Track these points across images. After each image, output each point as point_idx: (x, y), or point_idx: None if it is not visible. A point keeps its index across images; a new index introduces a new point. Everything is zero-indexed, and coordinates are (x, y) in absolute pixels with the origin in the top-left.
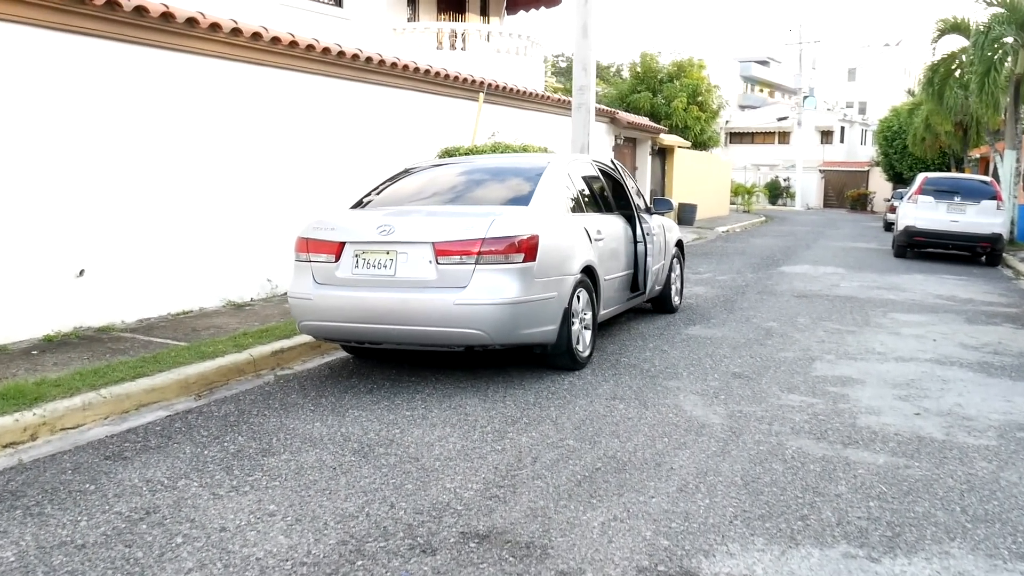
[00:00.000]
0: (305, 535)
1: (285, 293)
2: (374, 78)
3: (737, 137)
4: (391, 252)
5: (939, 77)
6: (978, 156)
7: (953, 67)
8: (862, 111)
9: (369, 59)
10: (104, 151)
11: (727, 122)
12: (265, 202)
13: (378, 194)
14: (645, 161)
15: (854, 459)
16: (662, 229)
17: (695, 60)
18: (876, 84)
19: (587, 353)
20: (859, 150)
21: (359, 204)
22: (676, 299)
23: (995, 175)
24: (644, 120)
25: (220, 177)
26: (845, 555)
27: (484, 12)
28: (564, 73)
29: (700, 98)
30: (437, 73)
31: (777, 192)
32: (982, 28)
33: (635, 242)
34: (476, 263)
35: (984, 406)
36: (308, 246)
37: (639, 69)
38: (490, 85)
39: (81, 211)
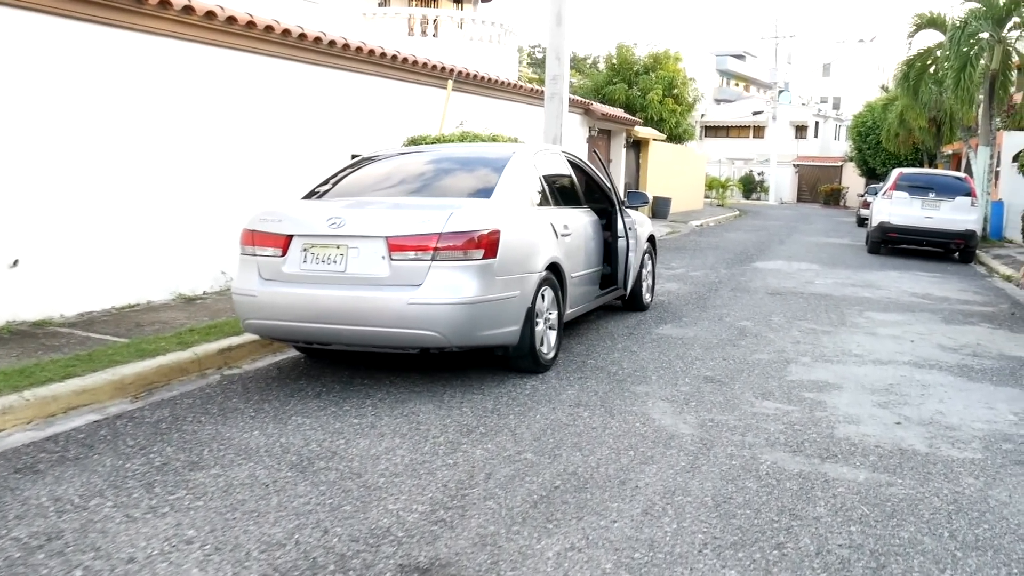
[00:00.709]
0: (223, 568)
1: None
2: (338, 63)
3: (712, 131)
4: (342, 247)
5: (914, 72)
6: (950, 152)
7: (929, 62)
8: (836, 106)
9: (332, 42)
10: (41, 133)
11: (702, 116)
12: (220, 190)
13: (333, 184)
14: (619, 153)
15: (833, 476)
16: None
17: (671, 52)
18: (850, 80)
19: (551, 355)
20: (833, 145)
21: (312, 194)
22: (647, 296)
23: (967, 171)
24: (619, 112)
25: (172, 164)
26: None
27: None
28: (540, 64)
29: (676, 91)
30: (405, 59)
31: (751, 186)
32: (958, 23)
33: (616, 237)
34: (432, 259)
35: (967, 414)
36: (254, 239)
37: (615, 61)
38: (460, 73)
39: (14, 197)
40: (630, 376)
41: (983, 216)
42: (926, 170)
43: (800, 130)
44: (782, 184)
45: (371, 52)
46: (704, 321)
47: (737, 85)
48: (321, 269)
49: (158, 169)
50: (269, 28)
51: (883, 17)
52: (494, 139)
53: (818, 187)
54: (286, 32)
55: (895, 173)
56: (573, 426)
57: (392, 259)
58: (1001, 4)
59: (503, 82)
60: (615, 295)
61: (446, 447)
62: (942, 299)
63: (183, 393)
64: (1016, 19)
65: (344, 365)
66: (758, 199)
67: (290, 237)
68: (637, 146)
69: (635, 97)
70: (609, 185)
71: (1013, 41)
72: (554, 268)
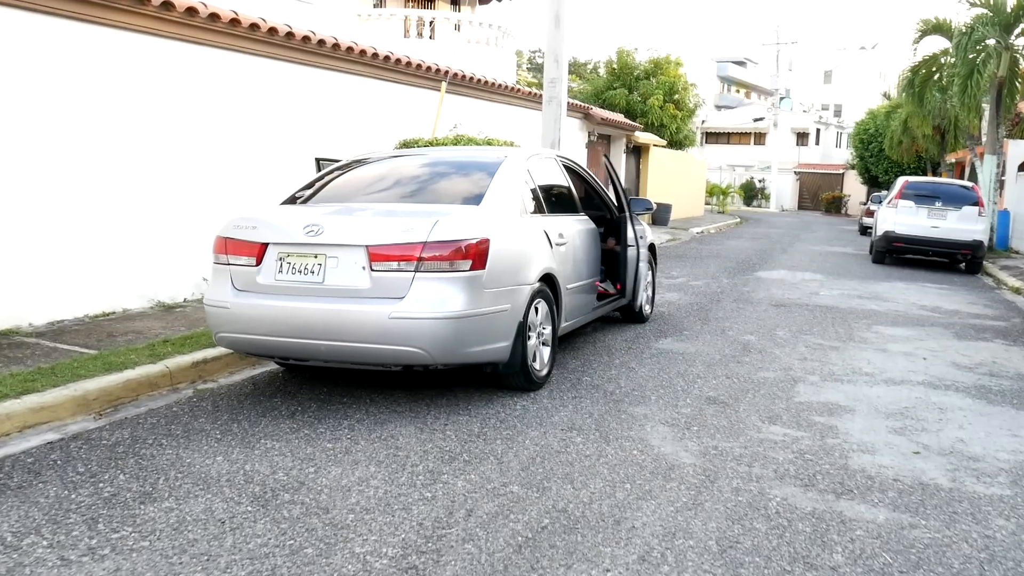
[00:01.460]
0: None
1: None
2: (329, 63)
3: (713, 137)
4: (319, 256)
5: (919, 79)
6: (953, 161)
7: (934, 69)
8: (837, 113)
9: (322, 42)
10: (9, 132)
11: (703, 122)
12: (204, 193)
13: (314, 188)
14: (619, 159)
15: (850, 515)
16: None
17: (672, 58)
18: (852, 87)
19: (545, 372)
20: (834, 152)
21: (293, 199)
22: (647, 308)
23: (971, 179)
24: (619, 117)
25: (153, 166)
26: None
27: (455, 1)
28: (540, 69)
29: (677, 96)
30: (398, 60)
31: (752, 193)
32: (965, 29)
33: (626, 246)
34: (416, 270)
35: (989, 443)
36: (227, 247)
37: (615, 65)
38: (455, 75)
39: None
40: (628, 396)
41: (990, 226)
42: (932, 179)
43: (801, 137)
44: (783, 191)
45: (362, 52)
46: (706, 335)
47: (738, 91)
48: (297, 280)
49: (138, 171)
50: (255, 26)
51: (885, 25)
52: (489, 143)
53: (819, 195)
54: (272, 30)
55: (901, 181)
56: (565, 453)
57: (373, 270)
58: (1009, 10)
59: (499, 84)
60: (614, 306)
61: (425, 477)
62: (952, 312)
63: (150, 410)
64: None
65: (323, 380)
66: (759, 206)
67: (265, 245)
68: (637, 152)
69: (635, 102)
70: (620, 192)
71: (1021, 48)
72: (548, 279)
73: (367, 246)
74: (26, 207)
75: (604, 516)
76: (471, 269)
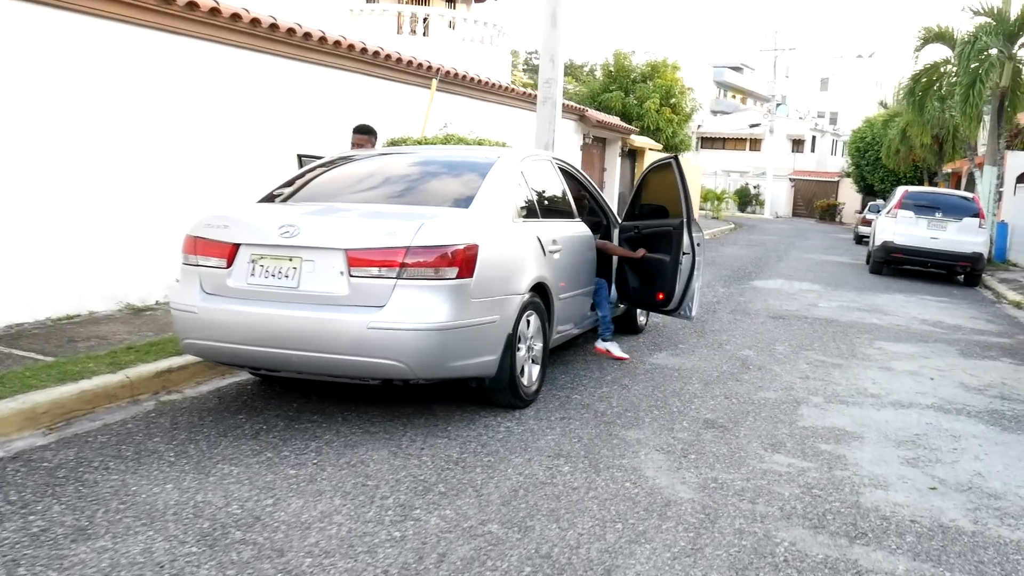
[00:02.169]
0: None
1: None
2: (316, 58)
3: (708, 142)
4: (295, 259)
5: (920, 88)
6: (950, 171)
7: (935, 78)
8: (833, 121)
9: (308, 35)
10: None
11: (699, 127)
12: (178, 189)
13: (295, 186)
14: (614, 163)
15: (866, 565)
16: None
17: (669, 61)
18: (848, 95)
19: (534, 388)
20: (829, 160)
21: (271, 197)
22: (641, 318)
23: (968, 189)
24: (615, 120)
25: (124, 160)
26: None
27: None
28: (536, 70)
29: (673, 100)
30: (387, 56)
31: (747, 199)
32: (968, 38)
33: (680, 254)
34: (398, 277)
35: (1009, 477)
36: (196, 246)
37: (612, 68)
38: (447, 72)
39: None
40: (620, 417)
41: (990, 238)
42: (932, 189)
43: (797, 144)
44: (778, 198)
45: (351, 47)
46: (702, 349)
47: (734, 97)
48: (271, 284)
49: (109, 165)
50: (236, 16)
51: (882, 34)
52: (480, 144)
53: (814, 202)
54: (255, 21)
55: (900, 191)
56: (551, 485)
57: (352, 275)
58: (1013, 20)
59: (492, 84)
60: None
61: (395, 512)
62: (954, 328)
63: (105, 425)
64: None
65: (296, 393)
66: (753, 212)
67: (237, 246)
68: (632, 155)
69: (632, 105)
70: (685, 198)
71: None
72: (540, 289)
73: (346, 250)
74: None
75: (593, 564)
76: (458, 277)
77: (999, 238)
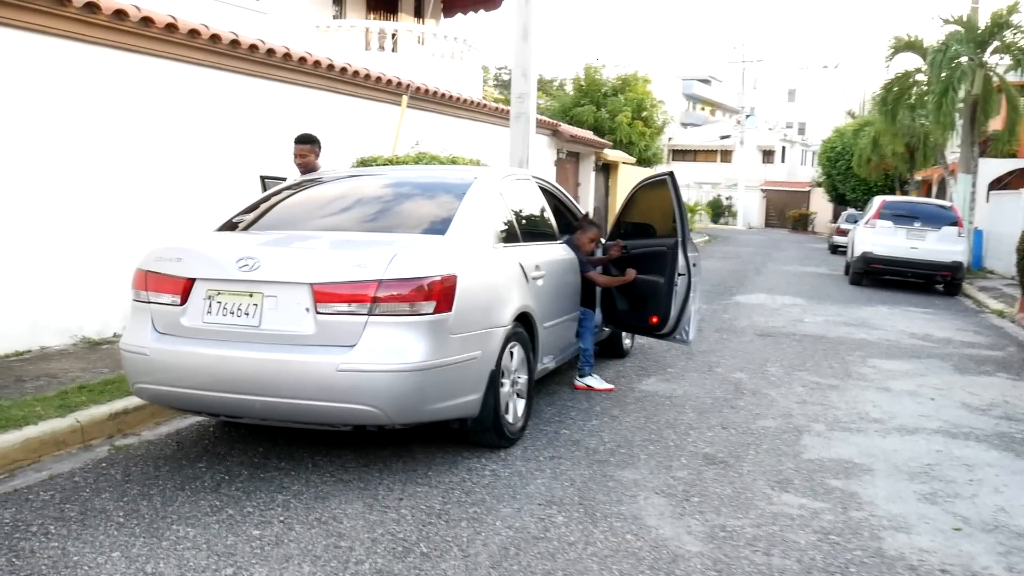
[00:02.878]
0: None
1: None
2: (280, 75)
3: (680, 155)
4: (255, 295)
5: (892, 96)
6: (920, 178)
7: (907, 86)
8: (801, 131)
9: (272, 51)
10: None
11: (670, 139)
12: (135, 214)
13: (257, 212)
14: (588, 177)
15: None
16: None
17: (640, 75)
18: (815, 105)
19: (519, 425)
20: (800, 170)
21: (231, 225)
22: (627, 340)
23: (939, 197)
24: (588, 134)
25: (78, 184)
26: None
27: (419, 13)
28: (507, 86)
29: (645, 113)
30: (355, 72)
31: (719, 211)
32: (939, 47)
33: (675, 275)
34: (370, 313)
35: None
36: (148, 281)
37: (583, 82)
38: (417, 88)
39: None
40: (613, 454)
41: (969, 247)
42: (910, 198)
43: (767, 155)
44: (750, 209)
45: (316, 63)
46: (692, 372)
47: (703, 109)
48: (229, 323)
49: (62, 189)
50: (194, 32)
51: (847, 45)
52: (453, 162)
53: (786, 212)
54: (215, 37)
55: (878, 201)
56: (545, 540)
57: (318, 312)
58: (982, 27)
59: (464, 100)
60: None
61: None
62: (944, 341)
63: (51, 477)
64: (997, 43)
65: (262, 435)
66: (726, 223)
67: (191, 281)
68: (606, 169)
69: (603, 119)
70: (680, 215)
71: (994, 66)
72: (524, 319)
73: (311, 284)
74: None
75: None
76: (435, 311)
77: (975, 245)
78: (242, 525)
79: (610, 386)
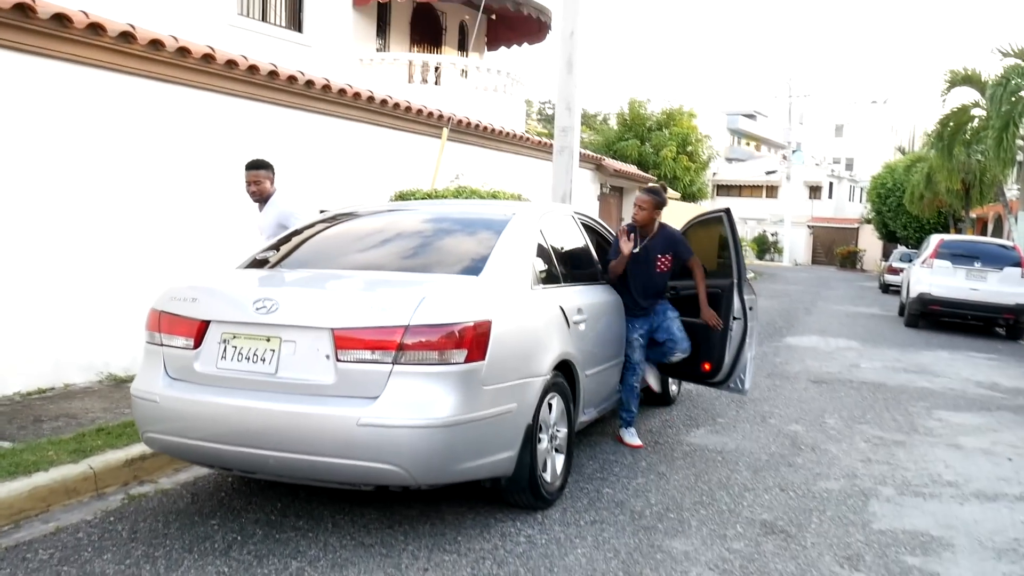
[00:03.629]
0: None
1: None
2: (320, 107)
3: (724, 190)
4: (272, 339)
5: (949, 132)
6: (975, 216)
7: (964, 121)
8: (849, 167)
9: (311, 83)
10: None
11: (714, 174)
12: (166, 248)
13: (285, 248)
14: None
15: None
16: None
17: (685, 109)
18: (863, 141)
19: (558, 484)
20: (847, 206)
21: (256, 263)
22: (673, 386)
23: (995, 234)
24: (632, 168)
25: (109, 216)
26: None
27: (462, 47)
28: (550, 120)
29: (690, 148)
30: (396, 104)
31: (765, 247)
32: (999, 81)
33: (731, 319)
34: (395, 362)
35: None
36: (161, 323)
37: (627, 116)
38: (458, 121)
39: None
40: (661, 519)
41: None
42: (969, 237)
43: (814, 190)
44: (796, 245)
45: (356, 95)
46: (744, 423)
47: (748, 144)
48: (244, 369)
49: (91, 221)
50: (232, 63)
51: (896, 79)
52: (494, 196)
53: (834, 249)
54: (253, 69)
55: (935, 240)
56: None
57: (339, 359)
58: None
59: (506, 133)
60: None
61: None
62: (1015, 391)
63: (56, 531)
64: None
65: (282, 488)
66: (772, 260)
67: (206, 323)
68: None
69: (648, 154)
70: (736, 254)
71: None
72: (564, 366)
73: (332, 329)
74: None
75: None
76: (467, 361)
77: None
78: None
79: (639, 443)
